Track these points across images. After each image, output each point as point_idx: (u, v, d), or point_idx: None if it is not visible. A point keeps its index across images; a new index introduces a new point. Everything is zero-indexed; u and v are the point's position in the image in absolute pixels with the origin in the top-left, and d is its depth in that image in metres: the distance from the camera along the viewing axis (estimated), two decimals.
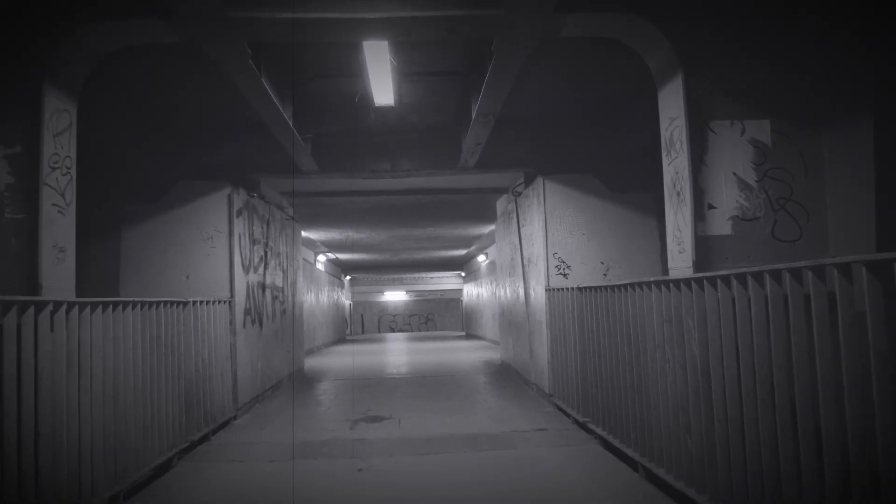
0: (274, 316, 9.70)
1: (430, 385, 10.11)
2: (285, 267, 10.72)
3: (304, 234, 16.31)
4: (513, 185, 9.94)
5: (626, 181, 8.12)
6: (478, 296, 25.53)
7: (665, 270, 7.98)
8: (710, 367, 3.68)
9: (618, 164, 8.17)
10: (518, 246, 9.68)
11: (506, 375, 10.89)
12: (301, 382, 10.96)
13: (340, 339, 27.87)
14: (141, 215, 7.66)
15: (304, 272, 18.60)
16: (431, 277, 38.62)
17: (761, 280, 3.21)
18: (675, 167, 4.50)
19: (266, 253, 9.29)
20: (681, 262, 4.41)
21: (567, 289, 6.82)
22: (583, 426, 6.27)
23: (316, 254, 21.88)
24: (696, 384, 3.86)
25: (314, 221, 14.47)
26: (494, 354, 15.54)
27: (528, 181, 8.99)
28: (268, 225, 9.51)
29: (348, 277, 34.25)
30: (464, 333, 31.00)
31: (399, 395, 9.08)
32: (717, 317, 3.64)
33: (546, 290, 7.79)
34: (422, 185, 10.86)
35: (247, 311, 8.15)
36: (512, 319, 10.65)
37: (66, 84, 4.28)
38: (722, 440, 3.55)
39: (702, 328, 3.78)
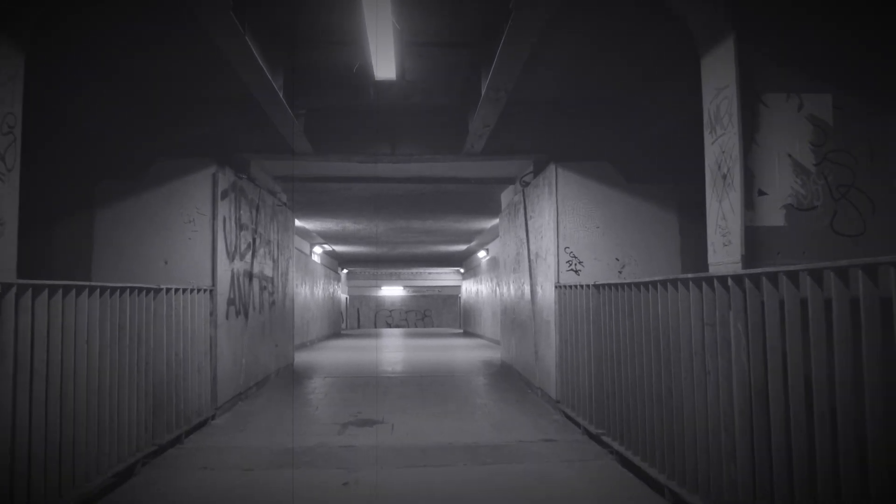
0: (262, 308, 9.07)
1: (426, 385, 9.50)
2: (276, 256, 10.09)
3: (298, 223, 15.67)
4: (520, 175, 9.31)
5: (645, 171, 7.50)
6: (477, 293, 24.91)
7: (685, 267, 7.39)
8: (766, 383, 3.06)
9: (636, 153, 7.55)
10: (524, 240, 9.05)
11: (507, 377, 10.27)
12: (290, 379, 10.34)
13: (335, 334, 27.26)
14: (117, 193, 7.02)
15: (299, 263, 17.98)
16: (430, 273, 37.99)
17: (845, 277, 2.59)
18: (720, 146, 3.87)
19: (254, 240, 8.66)
20: (725, 256, 3.78)
21: (581, 286, 6.19)
22: (595, 438, 5.65)
23: (312, 245, 21.25)
24: (744, 402, 3.24)
25: (309, 210, 13.84)
26: (494, 354, 14.93)
27: (538, 170, 8.37)
28: (257, 210, 8.87)
29: (345, 271, 33.62)
30: (461, 331, 30.39)
31: (393, 396, 8.46)
32: (777, 321, 3.02)
33: (556, 287, 7.17)
34: (423, 173, 10.22)
35: (230, 302, 7.51)
36: (515, 318, 10.03)
37: (8, 24, 3.63)
38: (782, 473, 2.93)
39: (756, 335, 3.16)
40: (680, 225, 7.37)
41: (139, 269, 6.87)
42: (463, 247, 22.54)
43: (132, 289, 4.93)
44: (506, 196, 11.38)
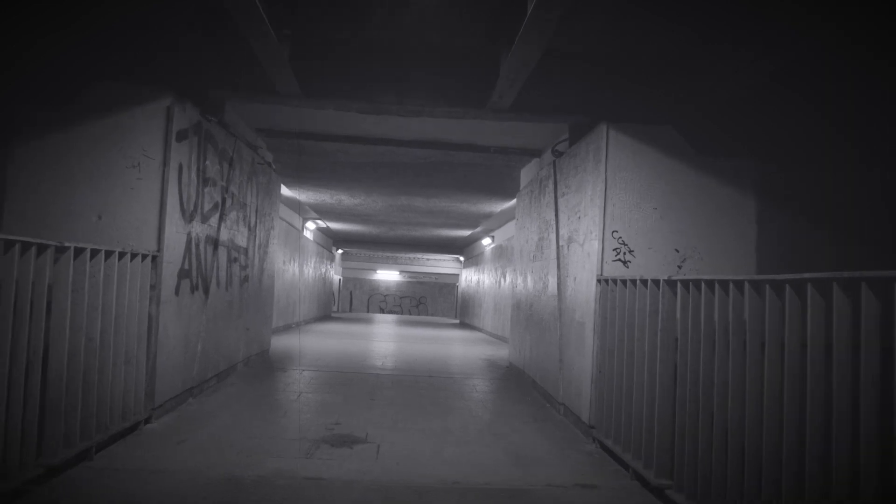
0: (229, 282, 7.49)
1: (422, 389, 7.95)
2: (253, 223, 8.50)
3: (288, 192, 14.08)
4: (553, 143, 7.73)
5: (716, 142, 5.92)
6: (478, 283, 23.37)
7: (761, 267, 5.85)
8: None
9: (705, 119, 5.97)
10: (552, 222, 7.48)
11: (519, 384, 8.73)
12: (261, 369, 8.78)
13: (325, 317, 25.73)
14: (41, 123, 5.42)
15: (288, 238, 16.40)
16: (428, 259, 36.52)
17: None
18: None
19: (224, 200, 7.07)
20: None
21: (642, 281, 4.63)
22: (655, 491, 4.12)
23: (304, 220, 19.65)
24: None
25: (301, 177, 12.22)
26: (497, 351, 13.40)
27: (576, 136, 6.78)
28: (230, 164, 7.28)
29: (340, 251, 32.07)
30: (457, 322, 28.90)
31: (381, 402, 6.91)
32: None
33: (598, 280, 5.61)
34: (434, 136, 8.63)
35: (184, 273, 5.94)
36: (532, 315, 8.48)
37: None
38: None
39: None
40: (758, 212, 5.81)
41: (65, 223, 5.29)
42: (467, 232, 20.97)
43: (8, 243, 3.36)
44: (527, 172, 9.80)
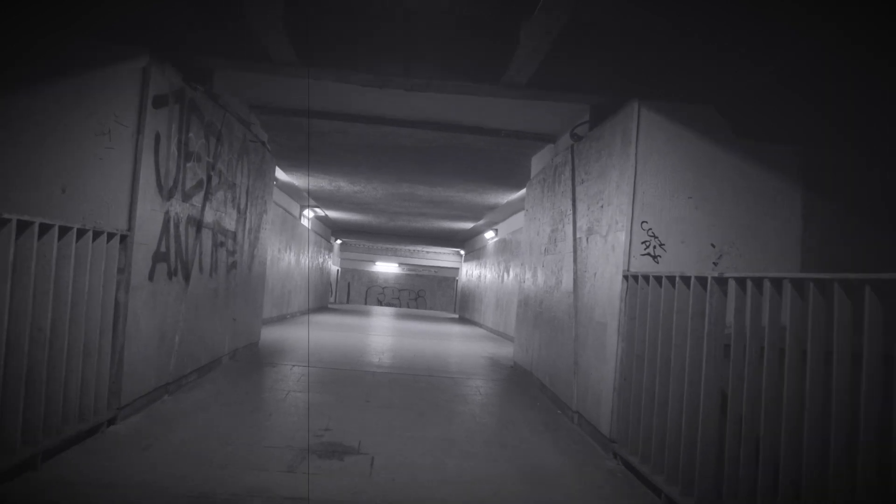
0: (214, 268, 6.87)
1: (421, 390, 7.34)
2: (243, 206, 7.88)
3: (285, 176, 13.45)
4: (570, 126, 7.10)
5: (757, 125, 5.29)
6: (479, 277, 22.75)
7: (805, 267, 5.24)
8: None
9: (745, 100, 5.34)
10: (568, 212, 6.86)
11: (525, 387, 8.12)
12: (249, 364, 8.17)
13: (321, 308, 25.13)
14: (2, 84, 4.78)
15: (284, 225, 15.77)
16: (427, 252, 35.92)
17: None
18: None
19: (210, 178, 6.45)
20: None
21: (682, 278, 4.02)
22: None
23: (302, 207, 19.01)
24: None
25: (297, 160, 11.58)
26: (499, 349, 12.80)
27: (601, 117, 6.16)
28: (218, 140, 6.65)
29: (338, 241, 31.44)
30: (457, 316, 28.30)
31: (377, 404, 6.31)
32: None
33: (625, 276, 5.00)
34: (441, 115, 8.00)
35: (160, 256, 5.32)
36: (542, 312, 7.87)
37: None
38: None
39: None
40: (804, 204, 5.19)
41: (26, 196, 4.66)
42: (469, 225, 20.34)
43: None
44: (539, 159, 9.17)
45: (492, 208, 15.72)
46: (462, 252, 30.01)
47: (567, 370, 6.38)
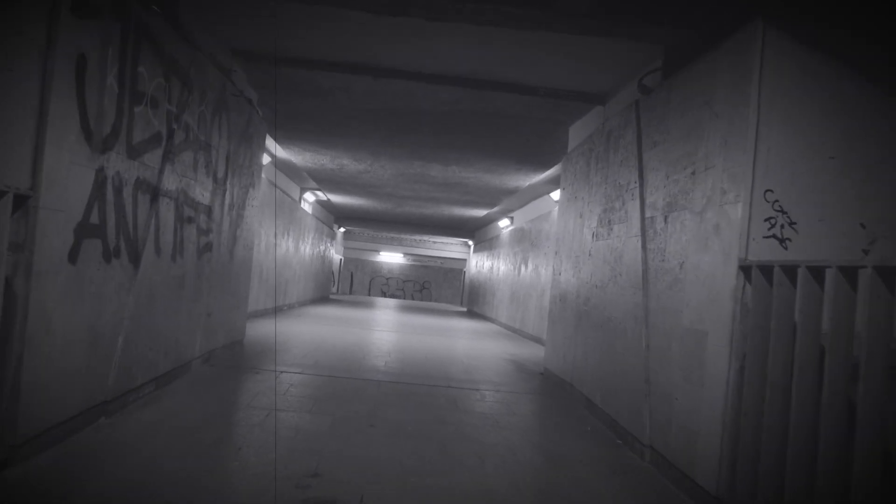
0: (179, 250, 5.40)
1: (439, 409, 5.88)
2: (221, 174, 6.40)
3: (283, 153, 11.98)
4: (628, 81, 5.61)
5: None
6: (491, 269, 21.26)
7: None
8: None
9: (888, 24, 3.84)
10: (633, 186, 5.38)
11: (566, 403, 6.64)
12: (226, 369, 6.71)
13: (322, 299, 23.69)
14: None
15: (282, 208, 14.29)
16: (434, 242, 34.49)
17: None
18: None
19: (173, 132, 4.97)
20: None
21: (877, 269, 2.53)
22: None
23: (302, 190, 17.55)
24: None
25: (295, 132, 10.08)
26: (520, 349, 11.33)
27: (683, 60, 4.67)
28: (185, 85, 5.17)
29: (342, 229, 30.00)
30: (465, 310, 26.83)
31: (384, 430, 4.84)
32: None
33: (741, 267, 3.51)
34: (466, 69, 6.50)
35: (89, 230, 3.85)
36: (587, 312, 6.38)
37: None
38: None
39: None
40: None
41: None
42: (482, 212, 18.84)
43: None
44: (582, 127, 7.66)
45: (511, 192, 14.21)
46: (471, 242, 28.53)
47: (632, 390, 4.90)
